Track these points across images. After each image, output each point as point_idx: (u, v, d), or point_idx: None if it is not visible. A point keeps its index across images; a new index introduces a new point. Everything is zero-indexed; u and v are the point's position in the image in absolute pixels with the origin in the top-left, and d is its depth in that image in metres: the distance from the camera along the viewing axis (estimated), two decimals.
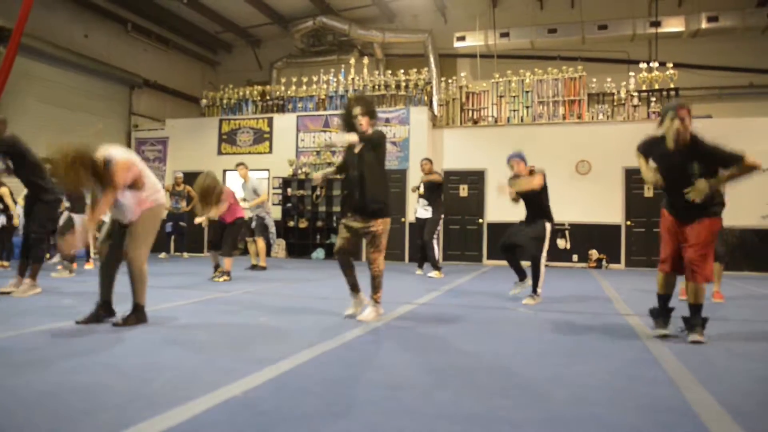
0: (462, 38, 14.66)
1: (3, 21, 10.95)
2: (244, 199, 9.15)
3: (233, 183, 10.63)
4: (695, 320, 3.86)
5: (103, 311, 4.22)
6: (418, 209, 8.95)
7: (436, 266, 8.63)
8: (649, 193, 11.72)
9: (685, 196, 3.81)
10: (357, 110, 4.45)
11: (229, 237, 7.65)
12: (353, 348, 3.48)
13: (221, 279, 7.45)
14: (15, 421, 2.08)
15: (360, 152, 4.46)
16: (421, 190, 8.87)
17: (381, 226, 4.43)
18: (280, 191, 13.59)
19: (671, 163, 3.94)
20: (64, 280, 7.10)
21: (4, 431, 1.99)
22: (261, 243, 9.44)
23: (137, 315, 4.14)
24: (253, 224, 9.38)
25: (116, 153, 3.95)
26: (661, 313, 4.09)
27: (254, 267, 9.35)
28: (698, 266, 3.80)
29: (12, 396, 2.36)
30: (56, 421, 2.08)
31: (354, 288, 4.63)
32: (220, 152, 14.26)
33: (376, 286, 4.51)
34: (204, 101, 15.12)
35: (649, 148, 4.12)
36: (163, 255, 12.27)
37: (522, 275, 6.10)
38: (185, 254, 12.59)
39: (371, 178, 4.40)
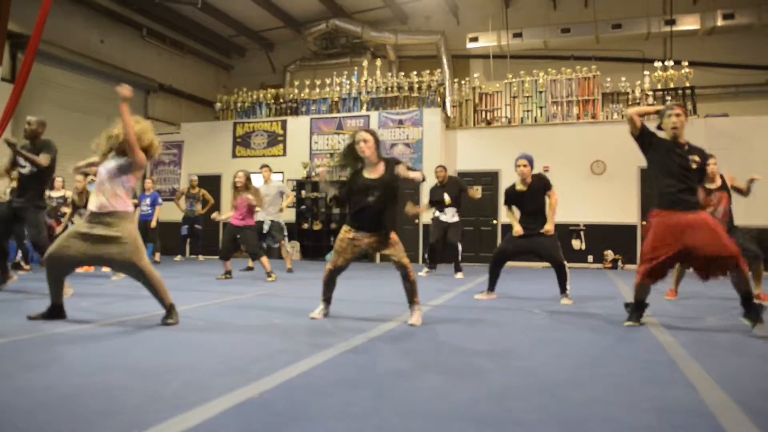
0: (475, 39, 14.65)
1: (21, 28, 11.12)
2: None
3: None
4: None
5: (56, 314, 4.32)
6: (441, 215, 8.89)
7: (460, 268, 8.93)
8: None
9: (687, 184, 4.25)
10: (363, 135, 4.44)
11: (252, 240, 8.06)
12: (367, 349, 3.49)
13: (269, 279, 7.82)
14: (35, 423, 2.11)
15: (380, 183, 4.41)
16: (448, 199, 8.79)
17: (396, 237, 4.53)
18: (294, 194, 13.63)
19: (676, 155, 4.32)
20: (79, 280, 7.18)
21: None
22: (285, 246, 9.54)
23: (171, 314, 4.26)
24: (267, 227, 9.24)
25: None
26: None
27: (249, 269, 9.43)
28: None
29: (32, 398, 2.39)
30: (75, 423, 2.11)
31: (329, 300, 4.74)
32: (234, 155, 14.35)
33: (415, 291, 4.48)
34: (218, 105, 15.23)
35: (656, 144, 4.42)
36: (178, 258, 12.36)
37: (494, 287, 6.13)
38: (200, 257, 12.68)
39: (386, 205, 4.44)
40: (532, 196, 5.96)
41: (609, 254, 11.97)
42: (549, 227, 5.85)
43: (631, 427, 2.14)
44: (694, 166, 4.31)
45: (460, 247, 8.96)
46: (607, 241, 12.07)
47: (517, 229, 5.85)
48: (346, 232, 4.53)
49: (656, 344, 3.74)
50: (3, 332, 3.76)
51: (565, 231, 12.27)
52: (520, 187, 6.00)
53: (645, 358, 3.33)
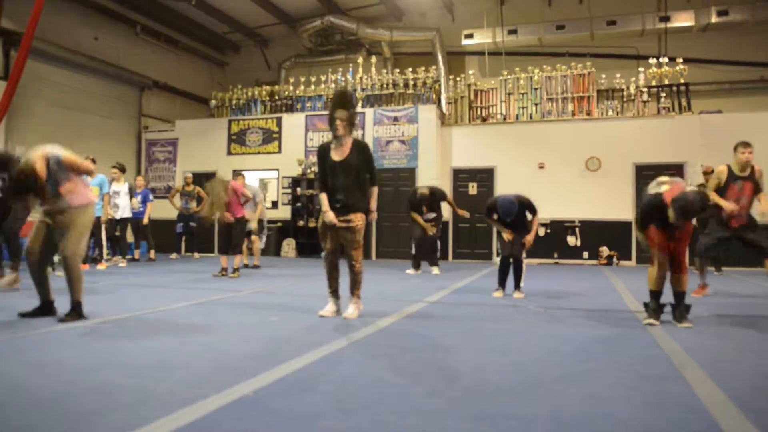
0: (470, 36, 14.62)
1: (14, 25, 11.05)
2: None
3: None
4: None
5: (45, 311, 4.36)
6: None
7: (437, 262, 9.03)
8: None
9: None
10: (339, 113, 4.53)
11: (237, 236, 8.09)
12: (362, 347, 3.49)
13: (234, 275, 7.85)
14: (30, 421, 2.10)
15: (343, 162, 4.57)
16: (426, 211, 8.83)
17: (360, 221, 4.60)
18: (289, 191, 13.62)
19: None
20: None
21: (20, 431, 2.01)
22: (257, 242, 9.57)
23: (77, 312, 4.24)
24: (248, 227, 9.44)
25: (55, 150, 4.30)
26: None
27: (246, 266, 9.41)
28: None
29: (26, 395, 2.39)
30: (69, 421, 2.10)
31: (336, 292, 4.76)
32: (229, 152, 14.31)
33: (358, 282, 4.64)
34: (213, 102, 15.18)
35: None
36: (174, 255, 12.33)
37: (505, 284, 6.22)
38: (196, 254, 12.65)
39: (352, 183, 4.58)
40: (517, 222, 6.03)
41: (604, 250, 12.00)
42: (529, 238, 5.98)
43: (626, 423, 2.14)
44: None
45: (438, 243, 9.09)
46: (602, 237, 12.09)
47: (507, 234, 5.98)
48: (322, 215, 4.69)
49: (651, 340, 3.76)
50: None
51: (560, 227, 12.29)
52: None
53: (640, 354, 3.34)
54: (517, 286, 6.07)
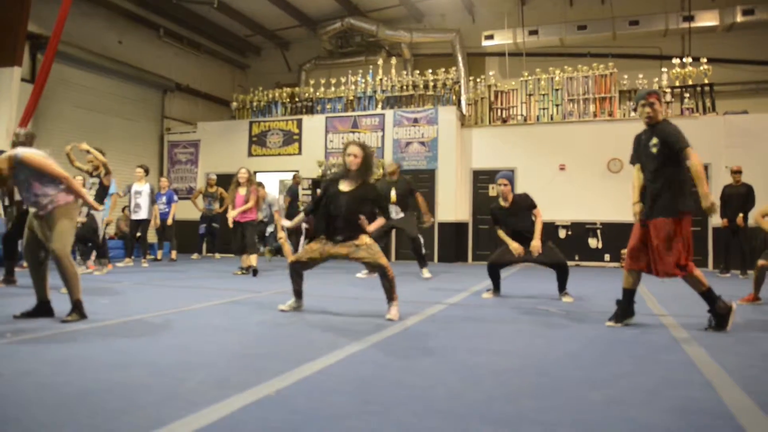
0: (490, 37, 14.58)
1: (40, 29, 11.25)
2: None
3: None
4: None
5: (42, 312, 4.33)
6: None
7: (425, 263, 8.33)
8: None
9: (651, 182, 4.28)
10: (352, 149, 4.65)
11: (250, 237, 8.31)
12: (383, 348, 3.49)
13: (254, 274, 8.07)
14: (56, 418, 2.14)
15: (350, 193, 4.64)
16: (393, 197, 7.98)
17: (366, 239, 4.65)
18: (309, 192, 13.68)
19: (642, 145, 4.39)
20: (99, 278, 7.26)
21: (47, 428, 2.05)
22: (286, 245, 9.64)
23: (78, 311, 4.22)
24: (270, 229, 9.62)
25: (23, 151, 4.18)
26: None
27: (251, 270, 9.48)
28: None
29: (53, 393, 2.43)
30: (96, 418, 2.13)
31: (300, 294, 4.96)
32: (250, 154, 14.43)
33: (393, 288, 4.66)
34: (234, 104, 15.32)
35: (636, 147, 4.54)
36: (195, 256, 12.46)
37: (498, 286, 6.26)
38: (217, 255, 12.77)
39: (353, 215, 4.60)
40: (515, 214, 6.03)
41: (626, 253, 11.86)
42: (535, 243, 5.82)
43: (650, 428, 2.12)
44: (654, 150, 4.22)
45: (421, 240, 8.21)
46: (624, 239, 11.73)
47: (515, 246, 5.85)
48: (320, 239, 4.78)
49: (674, 344, 3.71)
50: (25, 329, 3.82)
51: (582, 229, 12.19)
52: (502, 203, 6.08)
53: (663, 358, 3.30)
54: (562, 290, 5.97)
